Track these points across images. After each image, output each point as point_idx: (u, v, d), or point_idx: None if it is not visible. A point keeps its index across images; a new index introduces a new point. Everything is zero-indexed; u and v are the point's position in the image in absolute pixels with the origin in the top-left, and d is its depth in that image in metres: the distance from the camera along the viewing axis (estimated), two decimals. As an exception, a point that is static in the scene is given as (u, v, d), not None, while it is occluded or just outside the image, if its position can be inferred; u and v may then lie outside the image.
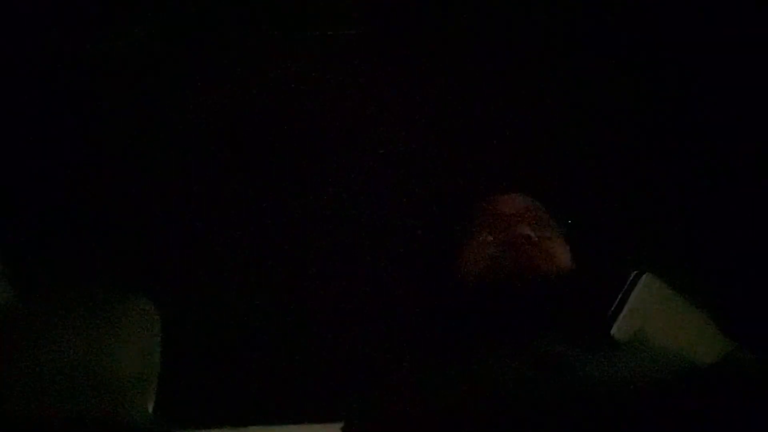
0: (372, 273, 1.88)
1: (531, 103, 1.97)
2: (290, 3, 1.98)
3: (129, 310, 1.56)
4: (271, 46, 1.97)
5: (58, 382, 1.44)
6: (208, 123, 1.94)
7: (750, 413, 1.34)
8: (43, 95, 1.90)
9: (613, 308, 1.51)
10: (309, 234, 1.91)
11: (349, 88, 1.97)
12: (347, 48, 1.97)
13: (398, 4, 1.99)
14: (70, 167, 1.88)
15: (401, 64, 1.98)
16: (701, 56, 1.95)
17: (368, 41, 1.98)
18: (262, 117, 1.95)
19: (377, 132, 1.95)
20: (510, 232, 1.59)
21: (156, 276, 1.83)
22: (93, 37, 1.93)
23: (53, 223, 1.85)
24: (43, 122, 1.90)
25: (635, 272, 1.54)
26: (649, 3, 1.98)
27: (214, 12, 1.97)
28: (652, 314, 1.54)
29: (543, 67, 1.98)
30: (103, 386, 1.46)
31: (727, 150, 1.93)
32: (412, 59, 1.98)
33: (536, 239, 1.59)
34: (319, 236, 1.90)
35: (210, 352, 1.83)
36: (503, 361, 1.46)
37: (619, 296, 1.51)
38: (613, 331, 1.49)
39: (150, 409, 1.48)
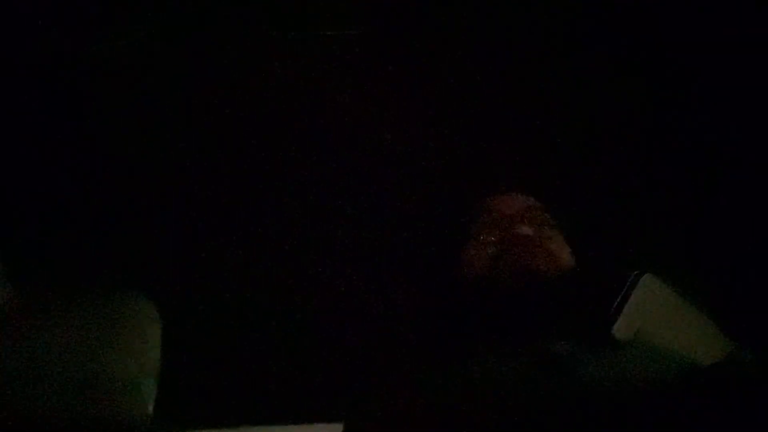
0: (372, 273, 1.88)
1: (531, 103, 1.97)
2: (290, 3, 1.98)
3: (129, 310, 1.56)
4: (271, 46, 1.97)
5: (58, 382, 1.44)
6: (208, 123, 1.93)
7: (750, 413, 1.34)
8: (43, 95, 1.90)
9: (613, 308, 1.50)
10: (309, 234, 1.91)
11: (349, 88, 1.96)
12: (347, 48, 1.97)
13: (398, 4, 1.99)
14: (70, 167, 1.88)
15: (401, 64, 1.98)
16: (701, 56, 1.95)
17: (368, 41, 1.98)
18: (262, 117, 1.95)
19: (377, 132, 1.95)
20: (510, 232, 1.59)
21: (156, 276, 1.83)
22: (93, 37, 1.93)
23: (53, 223, 1.85)
24: (43, 122, 1.89)
25: (635, 272, 1.54)
26: (649, 3, 1.98)
27: (214, 12, 1.97)
28: (652, 314, 1.54)
29: (543, 67, 1.98)
30: (103, 386, 1.46)
31: (727, 150, 1.93)
32: (412, 59, 1.98)
33: (536, 239, 1.59)
34: (319, 236, 1.90)
35: (210, 352, 1.83)
36: (503, 360, 1.46)
37: (619, 296, 1.51)
38: (613, 331, 1.49)
39: (150, 409, 1.48)
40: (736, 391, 1.37)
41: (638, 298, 1.52)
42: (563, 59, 1.98)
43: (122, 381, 1.48)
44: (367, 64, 1.97)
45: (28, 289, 1.58)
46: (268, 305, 1.86)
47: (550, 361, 1.44)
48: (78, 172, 1.88)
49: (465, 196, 1.78)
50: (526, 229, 1.59)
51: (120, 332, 1.53)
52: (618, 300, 1.51)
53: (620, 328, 1.50)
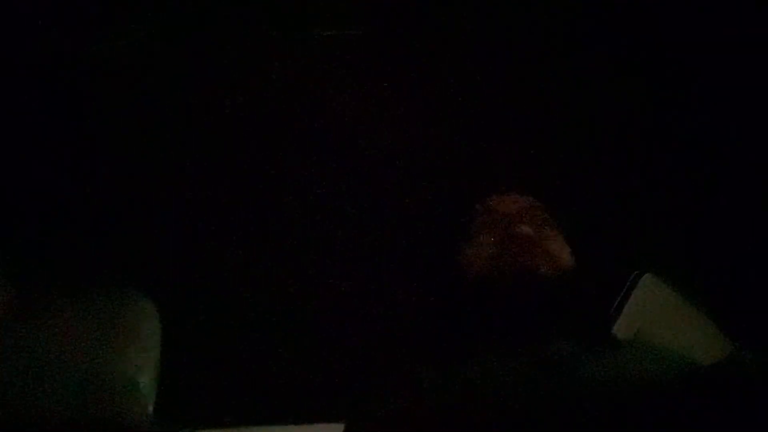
0: (372, 273, 1.88)
1: (531, 103, 1.97)
2: (290, 3, 1.98)
3: (129, 310, 1.56)
4: (271, 46, 1.97)
5: (58, 382, 1.44)
6: (208, 123, 1.93)
7: (750, 413, 1.34)
8: (43, 95, 1.90)
9: (613, 308, 1.51)
10: (309, 234, 1.91)
11: (349, 88, 1.96)
12: (347, 48, 1.97)
13: (398, 4, 1.99)
14: (70, 167, 1.88)
15: (401, 64, 1.98)
16: (701, 56, 1.95)
17: (368, 41, 1.98)
18: (262, 117, 1.95)
19: (377, 132, 1.95)
20: (510, 232, 1.59)
21: (156, 276, 1.83)
22: (93, 37, 1.93)
23: (53, 223, 1.85)
24: (44, 122, 1.90)
25: (635, 272, 1.54)
26: (649, 3, 1.98)
27: (214, 12, 1.97)
28: (652, 314, 1.54)
29: (543, 67, 1.98)
30: (103, 386, 1.46)
31: (728, 150, 1.93)
32: (412, 59, 1.98)
33: (536, 239, 1.59)
34: (319, 236, 1.90)
35: (210, 352, 1.83)
36: (503, 361, 1.46)
37: (619, 296, 1.52)
38: (614, 331, 1.49)
39: (150, 409, 1.48)
40: (736, 391, 1.37)
41: (638, 298, 1.52)
42: (563, 59, 1.98)
43: (122, 381, 1.48)
44: (367, 64, 1.97)
45: (28, 289, 1.58)
46: (268, 305, 1.86)
47: (550, 361, 1.44)
48: (78, 172, 1.88)
49: (465, 196, 1.78)
50: (525, 229, 1.59)
51: (120, 332, 1.53)
52: (618, 300, 1.51)
53: (620, 328, 1.50)
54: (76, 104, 1.91)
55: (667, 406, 1.36)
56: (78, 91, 1.92)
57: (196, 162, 1.92)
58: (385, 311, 1.85)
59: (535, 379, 1.41)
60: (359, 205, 1.92)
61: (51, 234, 1.84)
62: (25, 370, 1.45)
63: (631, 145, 1.96)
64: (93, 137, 1.91)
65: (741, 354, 1.53)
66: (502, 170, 1.92)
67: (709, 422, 1.34)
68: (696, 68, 1.96)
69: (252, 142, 1.94)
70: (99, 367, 1.47)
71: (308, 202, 1.92)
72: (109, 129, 1.92)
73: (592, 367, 1.42)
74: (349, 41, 1.97)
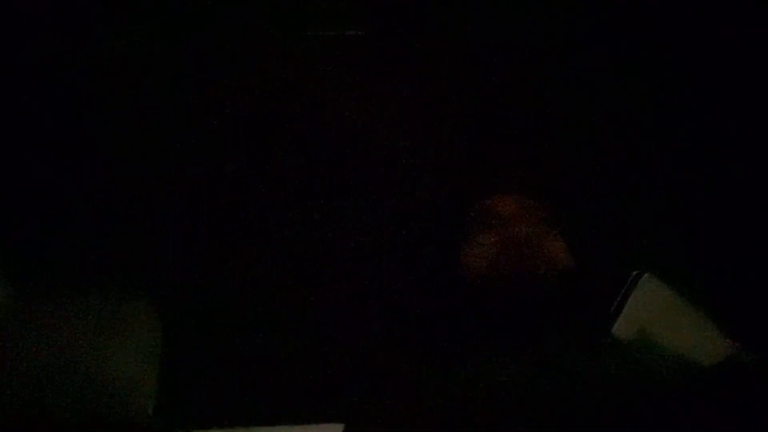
0: (372, 273, 1.88)
1: (531, 103, 1.97)
2: (290, 3, 1.98)
3: (129, 311, 1.56)
4: (271, 46, 1.97)
5: (58, 383, 1.44)
6: (208, 123, 1.93)
7: (750, 413, 1.34)
8: (43, 95, 1.90)
9: (613, 308, 1.51)
10: (309, 234, 1.91)
11: (350, 88, 1.96)
12: (347, 48, 1.97)
13: (398, 4, 1.99)
14: (70, 167, 1.88)
15: (401, 65, 1.98)
16: (701, 56, 1.95)
17: (368, 42, 1.98)
18: (261, 117, 1.95)
19: (377, 132, 1.95)
20: (510, 232, 1.59)
21: (156, 276, 1.83)
22: (93, 37, 1.93)
23: (53, 223, 1.84)
24: (43, 122, 1.89)
25: (635, 272, 1.54)
26: (649, 3, 1.98)
27: (214, 12, 1.97)
28: (652, 314, 1.54)
29: (543, 67, 1.98)
30: (103, 386, 1.46)
31: (728, 150, 1.93)
32: (412, 59, 1.98)
33: (536, 239, 1.59)
34: (318, 236, 1.90)
35: (210, 353, 1.83)
36: (503, 361, 1.46)
37: (619, 296, 1.51)
38: (613, 331, 1.49)
39: (150, 410, 1.48)
40: (736, 391, 1.37)
41: (638, 298, 1.52)
42: (563, 59, 1.98)
43: (122, 381, 1.48)
44: (367, 64, 1.97)
45: (28, 289, 1.58)
46: (268, 305, 1.86)
47: (550, 361, 1.44)
48: (78, 172, 1.88)
49: (464, 197, 1.79)
50: (525, 230, 1.60)
51: (120, 332, 1.53)
52: (618, 300, 1.51)
53: (620, 328, 1.50)
54: (76, 104, 1.91)
55: (667, 406, 1.36)
56: (78, 91, 1.91)
57: (196, 162, 1.91)
58: (385, 311, 1.85)
59: (535, 379, 1.41)
60: (358, 205, 1.91)
61: (51, 234, 1.83)
62: (25, 370, 1.45)
63: (631, 145, 1.96)
64: (93, 137, 1.91)
65: (741, 354, 1.52)
66: (501, 170, 1.92)
67: (709, 422, 1.34)
68: (696, 68, 1.96)
69: (251, 142, 1.93)
70: (99, 367, 1.47)
71: (307, 203, 1.91)
72: (109, 129, 1.92)
73: (592, 367, 1.42)
74: (349, 41, 1.97)
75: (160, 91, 1.94)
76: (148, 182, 1.90)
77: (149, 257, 1.86)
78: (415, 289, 1.83)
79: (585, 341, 1.46)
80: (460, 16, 2.00)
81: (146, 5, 1.96)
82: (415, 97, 1.97)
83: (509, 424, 1.35)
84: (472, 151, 1.95)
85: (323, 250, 1.90)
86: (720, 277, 1.80)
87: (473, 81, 1.98)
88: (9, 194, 1.84)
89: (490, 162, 1.94)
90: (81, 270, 1.83)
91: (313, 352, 1.84)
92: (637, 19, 1.98)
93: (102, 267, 1.84)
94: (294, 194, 1.92)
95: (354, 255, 1.90)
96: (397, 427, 1.42)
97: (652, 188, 1.95)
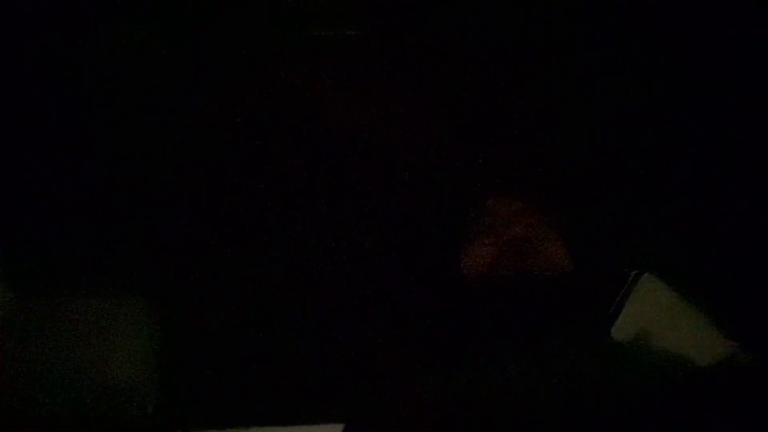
0: (372, 274, 1.88)
1: (531, 104, 1.97)
2: (290, 3, 1.98)
3: (129, 311, 1.56)
4: (271, 46, 1.97)
5: (58, 383, 1.44)
6: (208, 123, 1.93)
7: (750, 413, 1.34)
8: (43, 95, 1.90)
9: (613, 308, 1.51)
10: (309, 234, 1.91)
11: (350, 88, 1.96)
12: (347, 49, 1.97)
13: (398, 4, 1.99)
14: (70, 167, 1.88)
15: (401, 65, 1.98)
16: (701, 57, 1.95)
17: (368, 42, 1.98)
18: (261, 117, 1.95)
19: (376, 133, 1.95)
20: (510, 233, 1.60)
21: (156, 276, 1.83)
22: (93, 37, 1.93)
23: (53, 224, 1.84)
24: (43, 122, 1.89)
25: (635, 272, 1.54)
26: (649, 3, 1.98)
27: (214, 12, 1.97)
28: (652, 314, 1.54)
29: (543, 67, 1.98)
30: (103, 387, 1.46)
31: (728, 150, 1.93)
32: (412, 60, 1.98)
33: (535, 240, 1.59)
34: (318, 237, 1.90)
35: (210, 352, 1.83)
36: (503, 362, 1.46)
37: (619, 296, 1.51)
38: (613, 331, 1.49)
39: (150, 410, 1.48)
40: (736, 391, 1.37)
41: (638, 298, 1.52)
42: (563, 59, 1.98)
43: (122, 382, 1.48)
44: (367, 64, 1.97)
45: (28, 289, 1.58)
46: (268, 305, 1.86)
47: (550, 361, 1.44)
48: (78, 172, 1.88)
49: (464, 198, 1.78)
50: (524, 231, 1.60)
51: (120, 332, 1.53)
52: (617, 300, 1.51)
53: (620, 329, 1.50)
54: (76, 104, 1.91)
55: (667, 407, 1.36)
56: (78, 91, 1.91)
57: (196, 162, 1.91)
58: (385, 312, 1.85)
59: (535, 379, 1.41)
60: (358, 205, 1.91)
61: (51, 234, 1.83)
62: (24, 370, 1.45)
63: (631, 145, 1.96)
64: (93, 137, 1.91)
65: (741, 354, 1.52)
66: (501, 171, 1.92)
67: (709, 422, 1.34)
68: (696, 68, 1.96)
69: (251, 142, 1.93)
70: (99, 368, 1.47)
71: (306, 203, 1.91)
72: (109, 129, 1.92)
73: (591, 368, 1.42)
74: (349, 42, 1.97)
75: (159, 90, 1.93)
76: (148, 182, 1.90)
77: (149, 257, 1.86)
78: (415, 289, 1.83)
79: (585, 341, 1.46)
80: (460, 16, 2.00)
81: (146, 5, 1.96)
82: (415, 98, 1.97)
83: (509, 425, 1.35)
84: (472, 152, 1.95)
85: (323, 251, 1.90)
86: (720, 277, 1.80)
87: (474, 81, 1.98)
88: (9, 194, 1.84)
89: (491, 163, 1.94)
90: (81, 270, 1.83)
91: (313, 352, 1.84)
92: (637, 19, 1.98)
93: (102, 267, 1.84)
94: (293, 194, 1.92)
95: (354, 255, 1.90)
96: (397, 427, 1.42)
97: (652, 188, 1.95)
